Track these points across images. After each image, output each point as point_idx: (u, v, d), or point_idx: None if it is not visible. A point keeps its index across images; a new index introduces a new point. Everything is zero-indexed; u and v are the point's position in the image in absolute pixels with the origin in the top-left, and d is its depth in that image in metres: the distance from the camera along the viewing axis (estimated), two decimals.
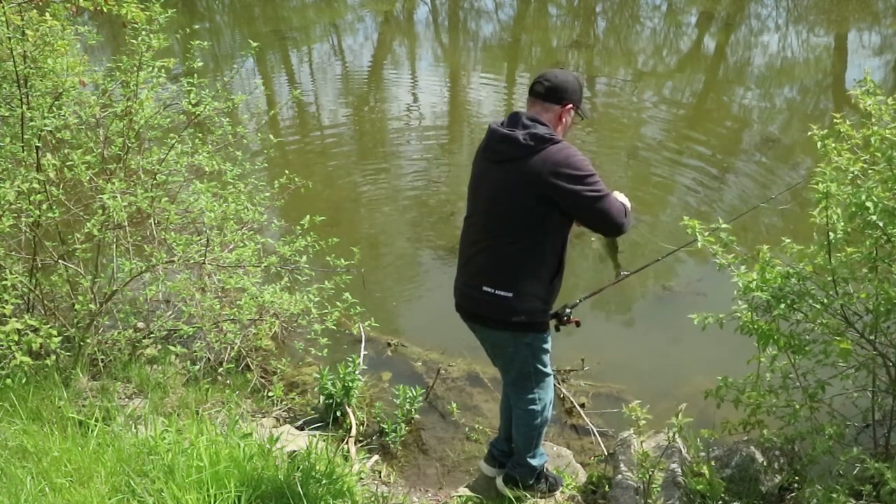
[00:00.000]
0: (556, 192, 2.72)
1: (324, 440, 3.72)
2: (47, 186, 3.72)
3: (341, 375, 4.15)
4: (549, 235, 2.82)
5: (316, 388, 4.30)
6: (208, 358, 4.34)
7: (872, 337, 3.04)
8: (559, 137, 2.82)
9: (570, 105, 2.90)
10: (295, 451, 3.37)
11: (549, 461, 3.60)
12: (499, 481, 3.45)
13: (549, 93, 2.86)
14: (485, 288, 2.87)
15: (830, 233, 2.91)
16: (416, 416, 4.19)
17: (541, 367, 3.12)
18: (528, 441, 3.28)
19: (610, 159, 7.58)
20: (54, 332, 3.40)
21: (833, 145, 3.12)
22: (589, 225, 2.88)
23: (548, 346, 3.09)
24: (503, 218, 2.83)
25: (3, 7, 3.64)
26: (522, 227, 2.80)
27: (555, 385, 4.48)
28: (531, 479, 3.38)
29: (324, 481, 3.04)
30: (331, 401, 4.13)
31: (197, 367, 4.23)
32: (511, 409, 3.29)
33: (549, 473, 3.48)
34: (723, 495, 3.19)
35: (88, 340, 3.92)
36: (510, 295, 2.84)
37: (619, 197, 2.95)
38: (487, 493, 3.48)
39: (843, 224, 2.95)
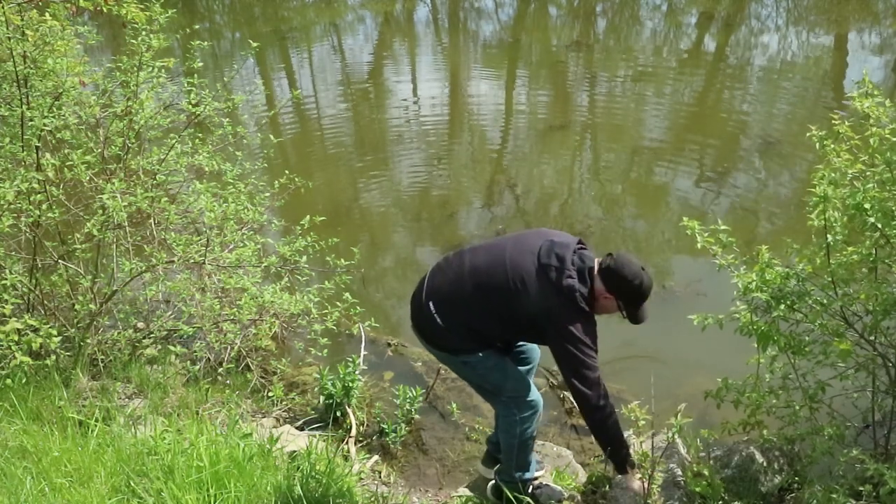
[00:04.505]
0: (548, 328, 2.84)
1: (324, 440, 3.72)
2: (47, 186, 3.72)
3: (341, 375, 4.15)
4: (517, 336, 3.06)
5: (316, 389, 4.31)
6: (208, 358, 4.34)
7: (872, 337, 3.04)
8: (583, 303, 2.83)
9: (614, 297, 2.90)
10: (295, 451, 3.37)
11: (547, 469, 3.58)
12: (488, 486, 3.44)
13: (606, 270, 2.86)
14: (432, 307, 2.94)
15: (829, 235, 2.91)
16: (416, 416, 4.19)
17: (499, 384, 3.10)
18: (509, 448, 3.23)
19: (610, 159, 7.59)
20: (54, 332, 3.40)
21: (832, 146, 3.12)
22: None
23: (498, 360, 3.07)
24: (501, 289, 2.85)
25: (3, 7, 3.64)
26: (505, 312, 2.86)
27: (554, 385, 4.51)
28: (517, 492, 3.28)
29: (324, 481, 3.04)
30: (331, 401, 4.13)
31: (197, 367, 4.23)
32: None
33: (545, 489, 3.39)
34: (723, 495, 3.19)
35: (88, 340, 3.92)
36: (444, 326, 2.94)
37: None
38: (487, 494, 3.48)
39: (841, 225, 2.95)
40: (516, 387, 3.10)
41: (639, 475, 3.07)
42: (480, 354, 3.01)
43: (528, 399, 3.12)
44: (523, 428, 3.14)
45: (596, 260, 2.90)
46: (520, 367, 3.24)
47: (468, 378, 3.21)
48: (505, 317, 2.88)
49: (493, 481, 3.41)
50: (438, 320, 2.93)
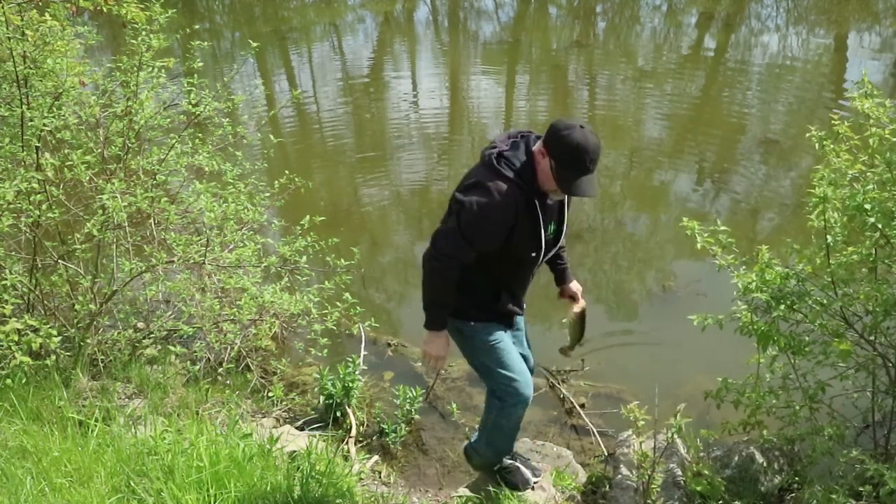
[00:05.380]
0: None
1: (324, 440, 3.72)
2: (47, 186, 3.72)
3: (341, 376, 4.15)
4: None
5: (316, 389, 4.31)
6: (208, 358, 4.34)
7: (872, 338, 3.04)
8: (501, 177, 2.67)
9: (546, 153, 2.66)
10: (295, 452, 3.37)
11: (546, 471, 3.59)
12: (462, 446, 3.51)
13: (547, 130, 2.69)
14: None
15: (829, 235, 2.91)
16: (416, 416, 4.19)
17: (487, 363, 3.04)
18: (484, 424, 3.23)
19: (610, 159, 7.58)
20: (54, 332, 3.40)
21: (831, 146, 3.12)
22: None
23: (491, 341, 2.99)
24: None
25: (2, 7, 3.64)
26: None
27: (554, 385, 4.52)
28: (483, 466, 3.40)
29: (324, 481, 3.04)
30: (331, 401, 4.13)
31: (197, 367, 4.23)
32: None
33: (513, 476, 3.37)
34: (723, 495, 3.20)
35: (88, 340, 3.92)
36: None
37: None
38: (488, 493, 3.48)
39: (841, 226, 2.95)
40: (501, 362, 3.02)
41: (438, 340, 2.93)
42: (472, 324, 2.97)
43: (514, 384, 3.03)
44: (507, 415, 3.11)
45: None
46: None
47: (464, 353, 3.12)
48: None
49: (466, 443, 3.45)
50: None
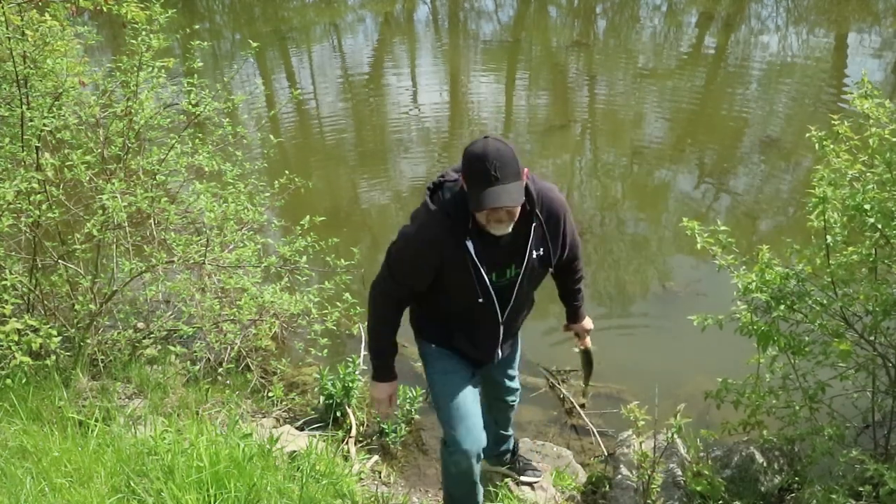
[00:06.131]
0: None
1: (324, 440, 3.72)
2: (47, 186, 3.72)
3: (341, 376, 4.15)
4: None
5: (316, 389, 4.31)
6: (208, 358, 4.34)
7: (872, 338, 3.04)
8: (426, 211, 2.41)
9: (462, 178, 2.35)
10: (295, 452, 3.37)
11: (546, 470, 3.57)
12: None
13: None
14: None
15: (828, 235, 2.91)
16: (416, 416, 4.19)
17: (434, 395, 2.73)
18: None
19: (610, 160, 7.59)
20: (54, 332, 3.40)
21: (831, 147, 3.12)
22: None
23: (440, 371, 2.69)
24: None
25: (2, 7, 3.64)
26: None
27: (554, 385, 4.51)
28: None
29: (324, 481, 3.04)
30: (331, 401, 4.13)
31: (197, 367, 4.23)
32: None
33: None
34: (723, 495, 3.20)
35: (88, 340, 3.92)
36: None
37: None
38: (487, 493, 3.48)
39: (840, 226, 2.95)
40: (448, 414, 2.68)
41: (379, 386, 2.70)
42: (432, 346, 2.71)
43: (452, 434, 2.64)
44: (454, 462, 2.69)
45: None
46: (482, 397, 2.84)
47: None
48: None
49: None
50: None
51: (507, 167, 2.26)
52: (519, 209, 2.34)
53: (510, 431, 3.38)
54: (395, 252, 2.52)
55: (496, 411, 3.19)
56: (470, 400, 2.69)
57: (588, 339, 3.12)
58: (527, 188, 2.40)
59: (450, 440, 2.66)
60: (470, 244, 2.40)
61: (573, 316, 3.01)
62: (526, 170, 2.40)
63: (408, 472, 3.91)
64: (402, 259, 2.51)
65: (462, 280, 2.44)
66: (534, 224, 2.47)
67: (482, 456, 2.73)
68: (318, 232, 4.34)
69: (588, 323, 3.06)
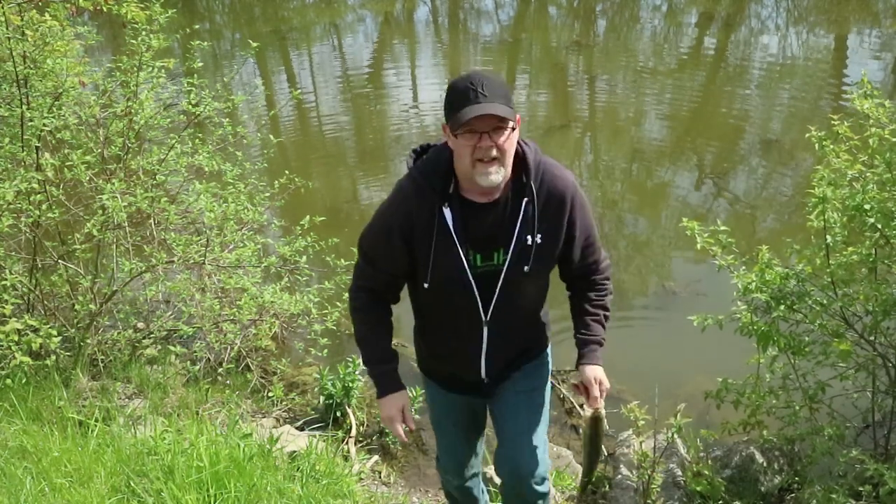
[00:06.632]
0: None
1: (324, 440, 3.72)
2: (47, 186, 3.72)
3: (341, 376, 4.15)
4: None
5: (316, 389, 4.30)
6: (208, 358, 4.34)
7: (872, 338, 3.04)
8: (406, 175, 2.08)
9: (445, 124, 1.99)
10: (295, 452, 3.37)
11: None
12: None
13: None
14: None
15: (828, 236, 2.91)
16: (416, 416, 4.18)
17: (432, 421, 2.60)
18: None
19: (610, 159, 7.59)
20: (54, 332, 3.40)
21: (831, 147, 3.12)
22: None
23: (429, 407, 2.58)
24: None
25: (2, 7, 3.64)
26: None
27: (554, 385, 4.51)
28: None
29: (324, 481, 3.04)
30: (331, 401, 4.13)
31: (197, 367, 4.23)
32: None
33: None
34: (723, 495, 3.20)
35: (88, 340, 3.92)
36: None
37: None
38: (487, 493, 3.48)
39: (840, 226, 2.95)
40: (438, 445, 2.63)
41: (386, 402, 2.27)
42: (429, 381, 2.45)
43: (442, 463, 2.62)
44: (447, 482, 2.68)
45: None
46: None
47: None
48: None
49: None
50: None
51: (494, 88, 1.93)
52: (512, 144, 1.96)
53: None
54: (366, 229, 2.15)
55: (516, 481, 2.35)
56: (450, 436, 2.52)
57: (600, 402, 2.23)
58: (524, 156, 2.03)
59: (439, 467, 2.70)
60: (447, 211, 1.99)
61: (581, 353, 2.26)
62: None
63: (408, 472, 3.91)
64: (372, 232, 2.13)
65: (436, 259, 2.01)
66: (524, 199, 2.02)
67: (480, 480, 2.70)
68: (318, 232, 4.34)
69: (600, 372, 2.24)
